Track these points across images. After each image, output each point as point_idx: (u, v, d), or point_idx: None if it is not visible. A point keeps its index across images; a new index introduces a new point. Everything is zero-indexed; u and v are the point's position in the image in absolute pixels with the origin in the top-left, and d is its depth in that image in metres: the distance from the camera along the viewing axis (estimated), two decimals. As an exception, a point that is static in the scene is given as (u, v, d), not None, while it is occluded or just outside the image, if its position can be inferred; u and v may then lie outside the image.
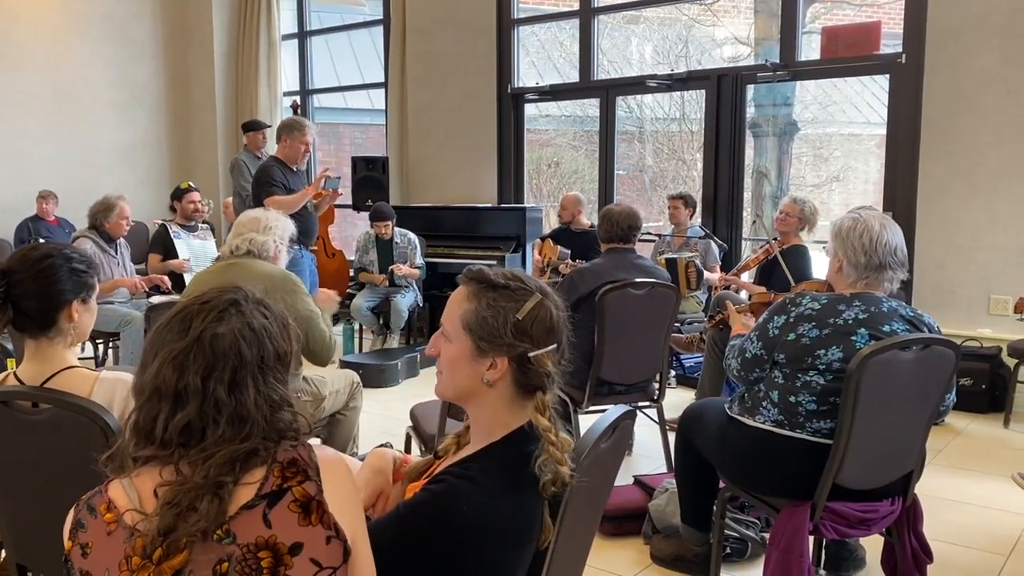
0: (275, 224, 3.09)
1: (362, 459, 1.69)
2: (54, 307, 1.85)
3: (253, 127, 6.65)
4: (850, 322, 2.28)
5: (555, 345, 1.42)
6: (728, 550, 2.89)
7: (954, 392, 2.45)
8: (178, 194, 5.96)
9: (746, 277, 4.88)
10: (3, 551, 2.05)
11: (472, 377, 1.42)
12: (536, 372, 1.40)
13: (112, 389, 1.84)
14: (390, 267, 6.20)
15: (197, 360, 1.16)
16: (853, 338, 2.26)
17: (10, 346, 4.28)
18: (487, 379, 1.41)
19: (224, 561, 1.10)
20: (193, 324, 1.19)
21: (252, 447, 1.15)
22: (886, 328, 2.27)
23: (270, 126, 6.97)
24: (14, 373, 1.87)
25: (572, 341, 1.50)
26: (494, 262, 6.49)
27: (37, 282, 1.82)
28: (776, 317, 2.38)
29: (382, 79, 7.96)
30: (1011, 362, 4.59)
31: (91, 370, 1.90)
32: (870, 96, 8.50)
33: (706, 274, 5.29)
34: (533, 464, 1.36)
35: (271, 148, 6.94)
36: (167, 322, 1.22)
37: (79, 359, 1.94)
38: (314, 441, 1.26)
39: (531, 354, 1.39)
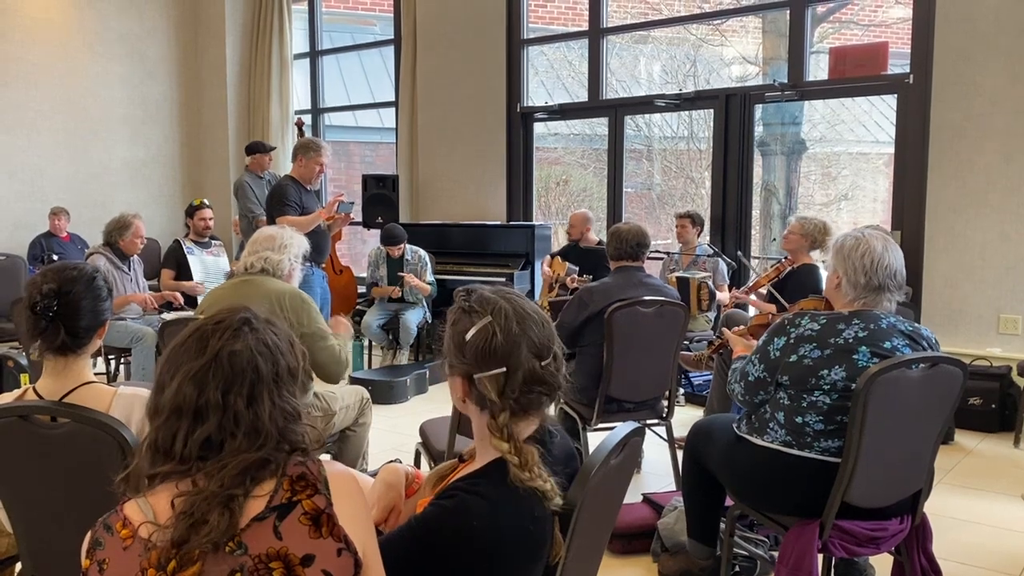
0: (290, 242, 3.13)
1: (372, 475, 1.71)
2: (97, 325, 1.89)
3: (258, 149, 6.70)
4: (851, 341, 2.29)
5: (502, 370, 1.40)
6: (737, 568, 2.88)
7: None
8: (190, 211, 6.03)
9: (755, 295, 4.88)
10: (19, 563, 2.07)
11: (455, 392, 1.47)
12: (481, 395, 1.42)
13: (130, 405, 1.86)
14: (400, 274, 6.23)
15: (217, 376, 1.20)
16: (855, 356, 2.27)
17: (24, 361, 4.33)
18: (458, 396, 1.46)
19: (236, 572, 1.12)
20: (210, 343, 1.23)
21: (264, 456, 1.19)
22: (887, 345, 2.28)
23: (274, 148, 7.03)
24: (33, 388, 1.90)
25: (555, 354, 1.49)
26: (502, 279, 6.52)
27: (87, 300, 1.86)
28: (776, 339, 2.39)
29: (392, 98, 8.03)
30: (1021, 381, 4.58)
31: (109, 386, 1.93)
32: (878, 115, 8.52)
33: (717, 295, 5.29)
34: (509, 482, 1.37)
35: (282, 167, 7.02)
36: (182, 343, 1.25)
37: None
38: (324, 457, 1.29)
39: (475, 376, 1.41)
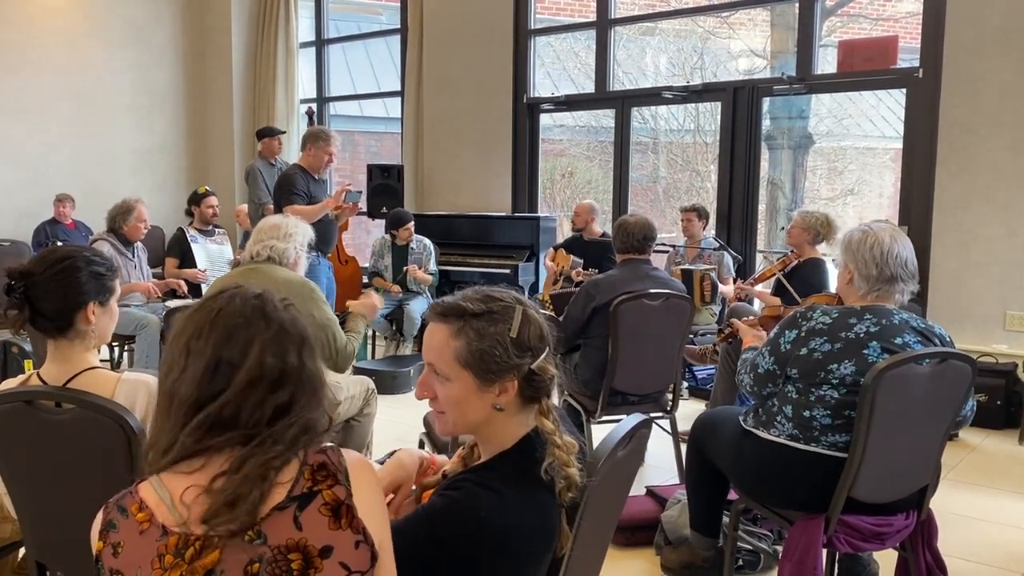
0: (295, 231, 3.12)
1: (380, 463, 1.70)
2: (71, 308, 1.87)
3: (268, 133, 6.70)
4: (862, 335, 2.27)
5: (548, 348, 1.43)
6: (740, 562, 2.88)
7: (973, 402, 2.43)
8: (196, 199, 6.02)
9: (761, 287, 4.87)
10: (23, 549, 2.07)
11: (483, 408, 1.41)
12: (542, 380, 1.41)
13: (134, 390, 1.86)
14: (404, 268, 6.22)
15: (289, 342, 1.22)
16: (865, 351, 2.25)
17: (28, 347, 4.33)
18: (498, 404, 1.40)
19: (255, 562, 1.11)
20: (268, 312, 1.23)
21: (316, 418, 1.22)
22: (898, 341, 2.27)
23: (284, 132, 7.02)
24: (37, 373, 1.89)
25: (558, 336, 1.51)
26: (507, 271, 6.51)
27: (55, 283, 1.85)
28: (787, 331, 2.38)
29: (398, 88, 8.01)
30: (1027, 378, 4.57)
31: (113, 371, 1.92)
32: (885, 110, 8.49)
33: (721, 287, 5.29)
34: (541, 468, 1.37)
35: (286, 154, 7.01)
36: (244, 320, 1.21)
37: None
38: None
39: (534, 365, 1.40)
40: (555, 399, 1.51)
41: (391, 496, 1.56)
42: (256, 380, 1.18)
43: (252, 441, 1.16)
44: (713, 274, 5.18)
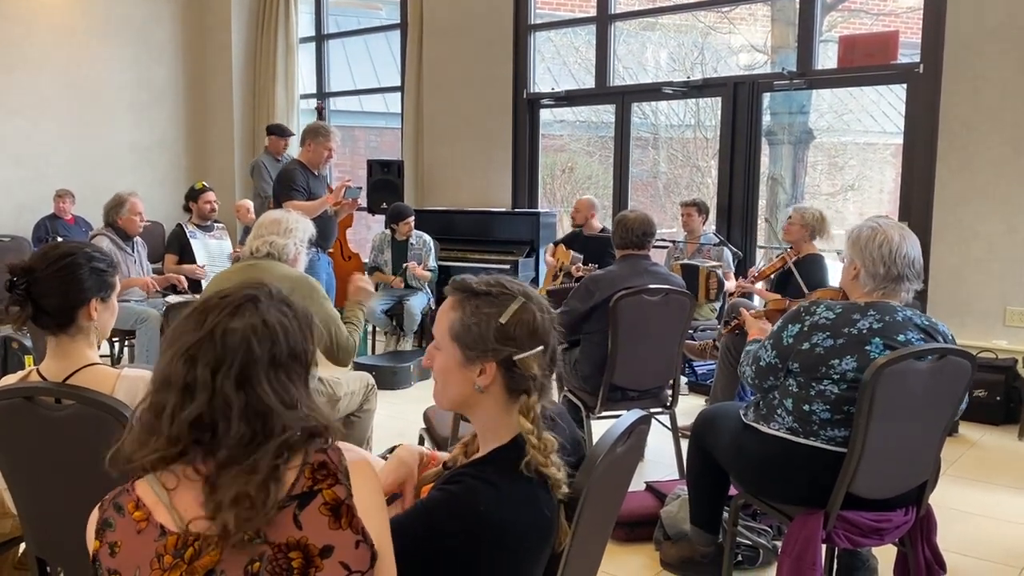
0: (295, 227, 3.12)
1: (383, 458, 1.70)
2: (73, 305, 1.87)
3: (278, 132, 6.68)
4: (864, 331, 2.27)
5: (541, 348, 1.43)
6: (739, 557, 2.89)
7: (966, 398, 2.43)
8: (193, 194, 6.01)
9: (761, 285, 4.87)
10: (23, 545, 2.07)
11: (464, 385, 1.44)
12: (523, 376, 1.42)
13: (134, 387, 1.85)
14: (404, 264, 6.22)
15: (207, 354, 1.14)
16: (867, 347, 2.25)
17: (28, 343, 4.33)
18: (479, 385, 1.43)
19: (256, 561, 1.10)
20: (208, 318, 1.17)
21: (287, 440, 1.15)
22: (901, 338, 2.27)
23: (293, 134, 7.01)
24: (37, 369, 1.89)
25: (562, 343, 1.51)
26: (507, 266, 6.51)
27: (57, 280, 1.85)
28: (790, 326, 2.38)
29: (398, 83, 8.00)
30: (1026, 374, 4.57)
31: (113, 367, 1.92)
32: (886, 105, 8.47)
33: (725, 284, 5.27)
34: (522, 466, 1.37)
35: (292, 154, 7.01)
36: (188, 315, 1.21)
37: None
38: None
39: (516, 357, 1.41)
40: (555, 396, 1.52)
41: (399, 495, 1.57)
42: (166, 382, 1.15)
43: (181, 458, 1.13)
44: (719, 272, 5.15)
